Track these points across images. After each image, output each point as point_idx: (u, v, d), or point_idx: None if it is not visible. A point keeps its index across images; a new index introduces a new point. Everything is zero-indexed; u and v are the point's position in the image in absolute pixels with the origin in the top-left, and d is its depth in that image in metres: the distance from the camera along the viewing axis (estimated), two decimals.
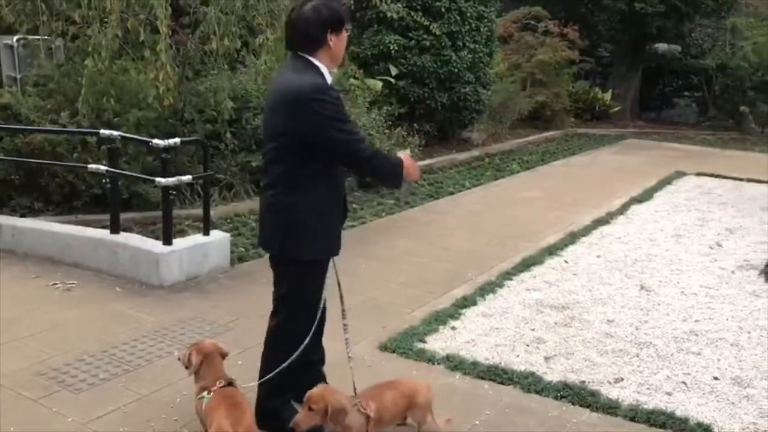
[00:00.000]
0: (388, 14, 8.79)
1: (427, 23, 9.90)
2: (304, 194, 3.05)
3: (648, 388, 3.95)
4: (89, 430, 3.37)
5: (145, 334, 4.40)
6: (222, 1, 6.59)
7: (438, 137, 11.12)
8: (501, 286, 5.46)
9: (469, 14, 10.58)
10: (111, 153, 5.59)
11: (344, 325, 3.33)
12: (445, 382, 3.93)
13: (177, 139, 5.44)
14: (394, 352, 4.26)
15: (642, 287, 5.59)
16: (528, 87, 13.75)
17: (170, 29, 6.32)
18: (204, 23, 6.73)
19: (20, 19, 6.76)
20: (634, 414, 3.65)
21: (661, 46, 17.91)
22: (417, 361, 4.17)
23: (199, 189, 6.54)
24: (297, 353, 3.13)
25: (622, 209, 8.15)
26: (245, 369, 3.56)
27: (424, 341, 4.42)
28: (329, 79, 3.08)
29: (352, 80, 9.16)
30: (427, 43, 10.21)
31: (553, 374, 4.05)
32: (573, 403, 3.75)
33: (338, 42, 3.08)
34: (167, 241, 5.34)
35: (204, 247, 5.53)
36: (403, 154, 3.24)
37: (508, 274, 5.71)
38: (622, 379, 4.04)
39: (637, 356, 4.36)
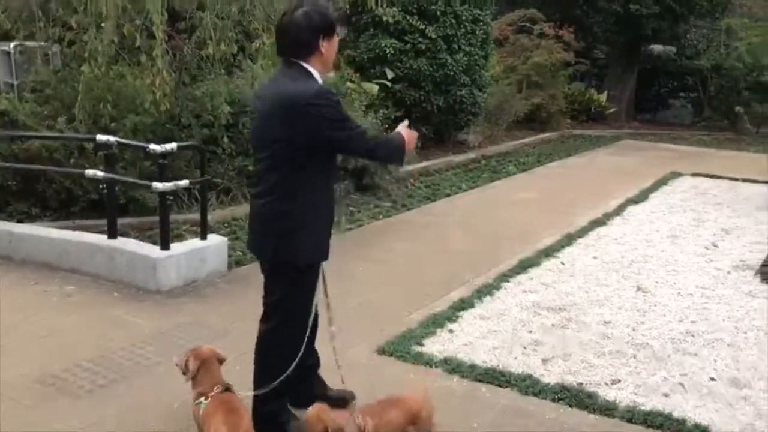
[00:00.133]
0: (384, 18, 8.82)
1: (423, 27, 9.93)
2: (299, 201, 3.06)
3: (645, 390, 3.96)
4: None
5: (143, 340, 4.40)
6: (218, 6, 6.59)
7: (434, 140, 11.13)
8: (498, 288, 5.47)
9: (464, 17, 10.59)
10: (108, 158, 5.60)
11: (331, 331, 3.34)
12: (443, 385, 3.93)
13: (174, 144, 5.44)
14: (391, 355, 4.26)
15: (638, 288, 5.60)
16: (524, 89, 13.79)
17: (166, 34, 6.32)
18: (200, 28, 6.74)
19: (17, 25, 6.78)
20: (632, 415, 3.67)
21: (656, 48, 17.98)
22: (414, 364, 4.16)
23: (197, 193, 6.54)
24: (296, 361, 3.13)
25: (618, 210, 8.16)
26: (243, 374, 3.55)
27: (421, 344, 4.42)
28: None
29: (348, 84, 9.16)
30: (423, 47, 10.22)
31: (550, 376, 4.06)
32: (570, 405, 3.76)
33: (329, 48, 3.09)
34: (164, 246, 5.34)
35: (201, 251, 5.54)
36: (403, 128, 3.33)
37: (505, 276, 5.72)
38: (619, 381, 4.05)
39: (634, 357, 4.37)
